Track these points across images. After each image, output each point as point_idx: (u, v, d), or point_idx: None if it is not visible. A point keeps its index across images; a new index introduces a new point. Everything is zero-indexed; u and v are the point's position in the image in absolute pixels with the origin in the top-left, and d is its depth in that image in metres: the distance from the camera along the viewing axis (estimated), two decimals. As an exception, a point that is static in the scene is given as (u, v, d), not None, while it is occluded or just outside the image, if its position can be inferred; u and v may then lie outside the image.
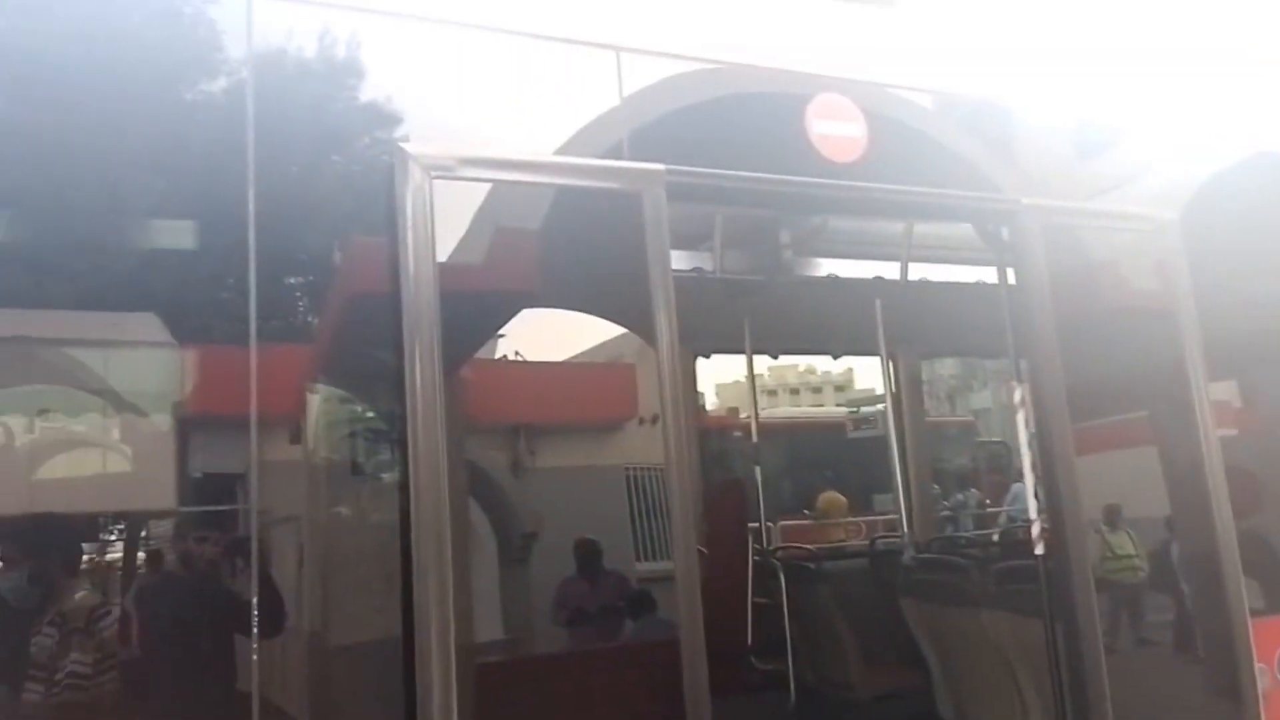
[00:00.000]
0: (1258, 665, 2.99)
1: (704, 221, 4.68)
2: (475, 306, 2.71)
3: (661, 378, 2.64)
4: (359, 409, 2.60)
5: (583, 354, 5.07)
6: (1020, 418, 3.14)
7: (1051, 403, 2.99)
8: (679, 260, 4.69)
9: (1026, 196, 3.18)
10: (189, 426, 2.32)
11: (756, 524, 5.41)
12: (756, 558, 5.06)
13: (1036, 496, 3.14)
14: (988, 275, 3.82)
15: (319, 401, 2.44)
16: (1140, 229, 3.37)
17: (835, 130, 3.09)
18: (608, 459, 5.37)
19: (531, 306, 3.26)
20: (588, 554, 4.39)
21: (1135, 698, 2.86)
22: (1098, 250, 3.43)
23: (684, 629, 2.43)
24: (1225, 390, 4.00)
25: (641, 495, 5.52)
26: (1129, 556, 3.06)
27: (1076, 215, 3.32)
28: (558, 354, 5.08)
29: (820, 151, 3.05)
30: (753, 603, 4.78)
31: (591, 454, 5.16)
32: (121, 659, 2.17)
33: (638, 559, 5.18)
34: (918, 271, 5.03)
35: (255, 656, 2.12)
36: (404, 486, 2.28)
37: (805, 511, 10.27)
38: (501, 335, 5.13)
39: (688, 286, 4.77)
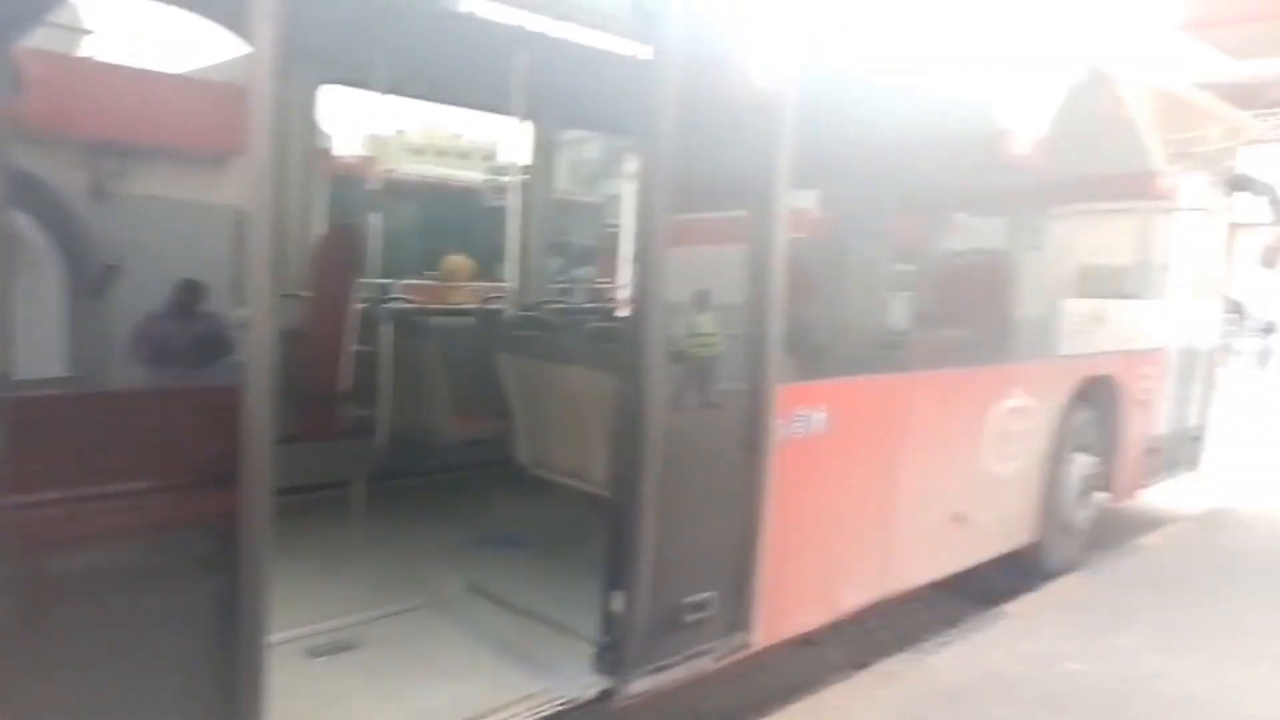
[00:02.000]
0: (776, 421, 3.58)
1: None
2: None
3: (257, 97, 2.31)
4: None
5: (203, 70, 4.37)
6: (631, 198, 3.29)
7: (659, 185, 3.13)
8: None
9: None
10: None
11: (371, 280, 5.27)
12: (365, 306, 4.97)
13: (634, 270, 3.36)
14: (627, 49, 3.83)
15: None
16: (767, 24, 3.48)
17: None
18: (216, 195, 4.85)
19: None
20: (181, 293, 4.01)
21: (683, 443, 3.30)
22: (728, 40, 3.51)
23: (251, 372, 2.29)
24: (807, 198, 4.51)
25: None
26: (709, 334, 3.39)
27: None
28: (166, 64, 4.35)
29: None
30: (355, 351, 4.73)
31: (199, 186, 4.62)
32: None
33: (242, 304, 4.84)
34: (565, 32, 4.91)
35: None
36: None
37: (427, 273, 10.22)
38: (88, 30, 4.28)
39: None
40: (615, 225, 12.20)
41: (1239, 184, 7.49)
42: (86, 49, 4.29)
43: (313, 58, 4.99)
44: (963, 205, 4.96)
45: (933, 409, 4.55)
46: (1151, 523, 7.31)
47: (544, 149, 6.44)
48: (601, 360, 3.86)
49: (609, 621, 3.21)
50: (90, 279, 3.96)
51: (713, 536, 3.51)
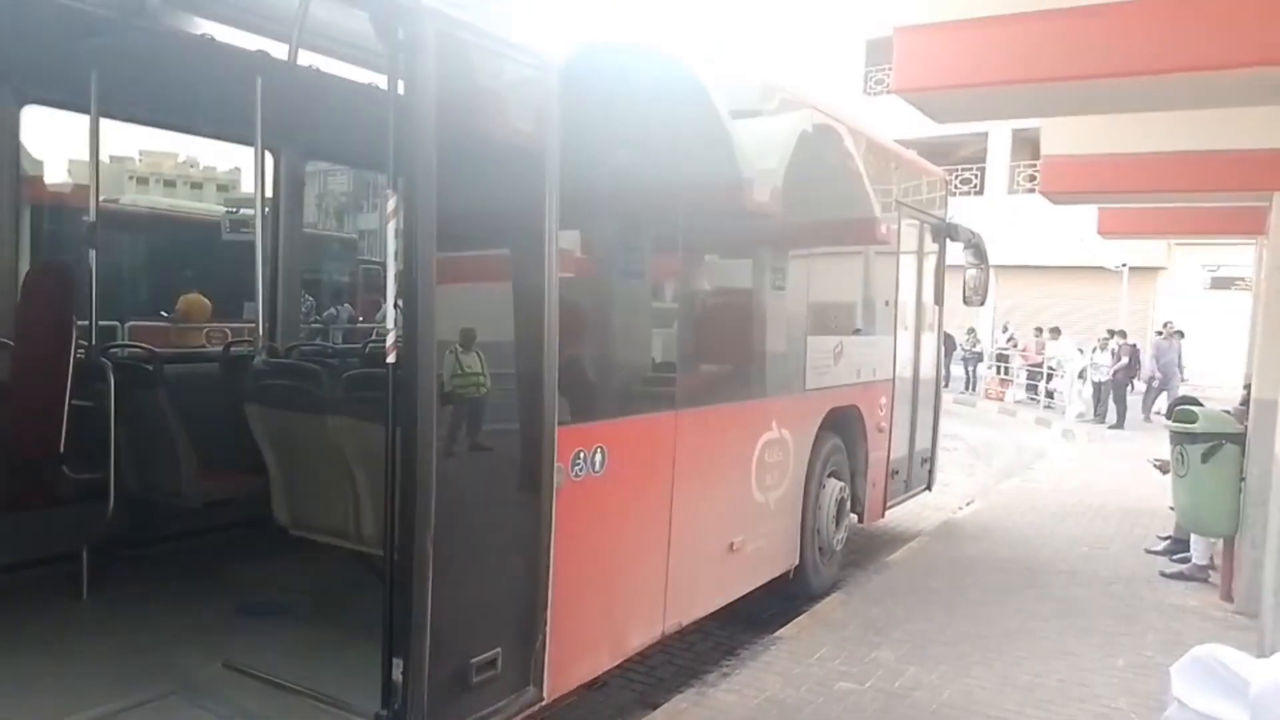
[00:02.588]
0: (556, 465, 3.50)
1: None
2: None
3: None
4: None
5: None
6: (390, 230, 3.09)
7: (422, 222, 2.97)
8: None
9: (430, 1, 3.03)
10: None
11: (88, 322, 4.65)
12: (81, 355, 4.36)
13: (396, 307, 3.16)
14: (381, 80, 3.64)
15: None
16: (527, 63, 3.44)
17: None
18: None
19: None
20: None
21: (460, 493, 3.12)
22: (488, 77, 3.43)
23: None
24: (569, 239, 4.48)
25: None
26: (476, 374, 3.25)
27: (473, 33, 3.25)
28: None
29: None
30: (71, 405, 4.14)
31: None
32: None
33: None
34: (310, 60, 4.62)
35: None
36: None
37: (163, 314, 9.28)
38: None
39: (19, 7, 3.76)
40: (371, 261, 11.71)
41: (947, 231, 8.43)
42: None
43: (15, 74, 4.37)
44: (715, 248, 5.17)
45: (701, 444, 4.66)
46: (895, 540, 7.95)
47: (290, 180, 6.01)
48: (364, 408, 3.60)
49: (389, 691, 2.96)
50: None
51: (496, 590, 3.35)
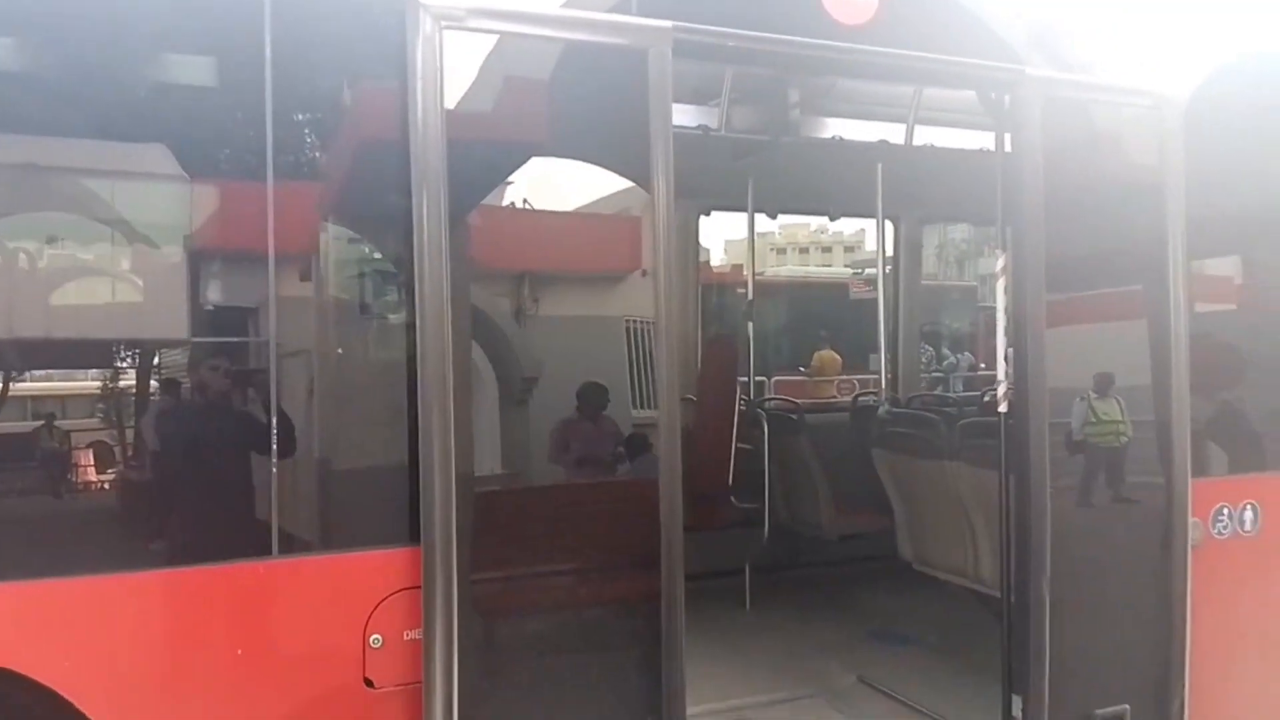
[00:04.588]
0: (1192, 520, 3.27)
1: (713, 77, 4.68)
2: (482, 155, 2.81)
3: (656, 233, 2.78)
4: (369, 250, 2.76)
5: (590, 204, 5.16)
6: (1000, 284, 3.29)
7: (1030, 270, 3.11)
8: (686, 115, 4.73)
9: (1031, 66, 3.21)
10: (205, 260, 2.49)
11: (746, 378, 5.67)
12: (743, 407, 5.35)
13: (1006, 359, 3.33)
14: (990, 142, 3.88)
15: (331, 240, 2.60)
16: (1141, 104, 3.38)
17: (845, -8, 3.10)
18: (608, 310, 5.55)
19: (538, 156, 3.34)
20: (588, 398, 4.65)
21: (1080, 541, 3.14)
22: (1098, 123, 3.46)
23: (663, 470, 2.66)
24: (1229, 266, 4.12)
25: (640, 346, 5.74)
26: (1115, 422, 3.22)
27: (1079, 88, 3.34)
28: (565, 203, 5.18)
29: (831, 13, 3.07)
30: (736, 448, 5.09)
31: (593, 304, 5.34)
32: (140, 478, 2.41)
33: (635, 406, 5.44)
34: (922, 135, 5.05)
35: (274, 476, 2.37)
36: (410, 326, 2.47)
37: (800, 368, 10.54)
38: (509, 183, 5.23)
39: (693, 143, 4.82)
40: (990, 307, 11.72)
41: None
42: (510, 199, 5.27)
43: (698, 192, 5.62)
44: None
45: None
46: None
47: (909, 243, 6.52)
48: (980, 455, 3.80)
49: (1009, 726, 3.10)
50: (515, 390, 4.74)
51: (1123, 645, 3.25)
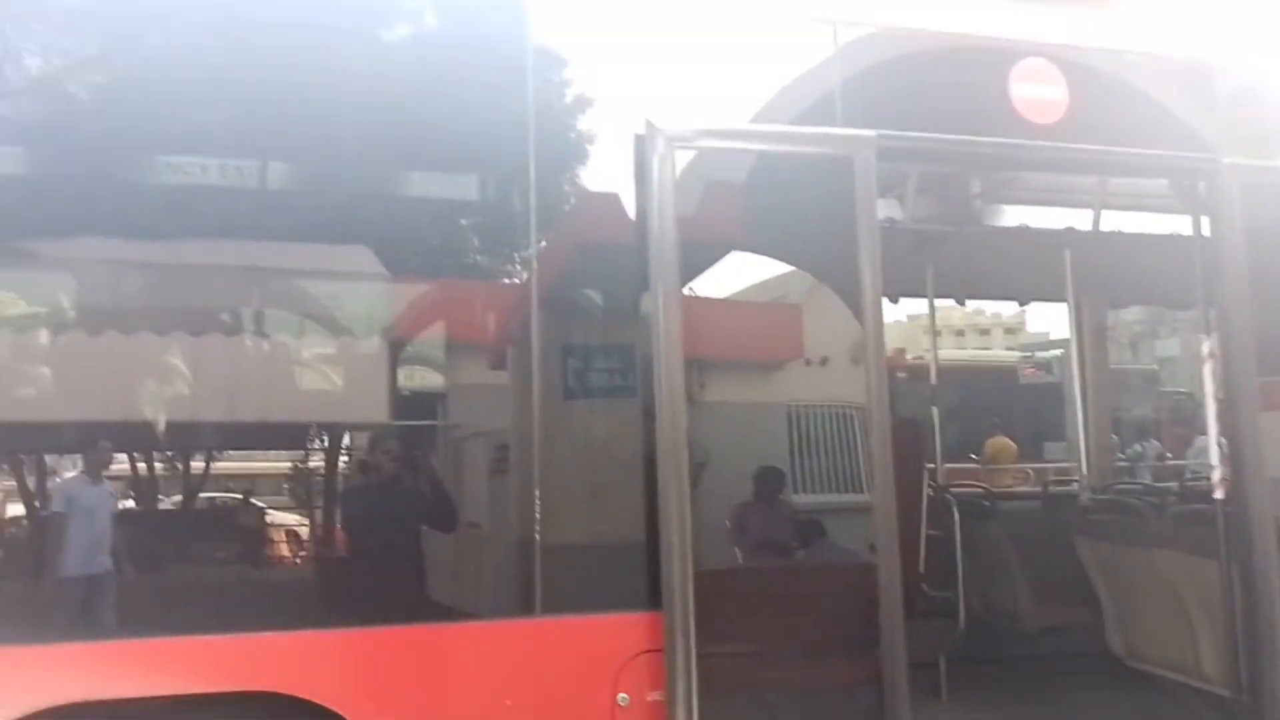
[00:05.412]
0: None
1: (897, 172, 4.88)
2: (697, 255, 3.11)
3: (866, 329, 2.97)
4: (607, 345, 3.07)
5: (747, 292, 5.36)
6: (1207, 369, 3.28)
7: (1239, 355, 3.10)
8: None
9: (1227, 155, 3.26)
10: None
11: (932, 464, 5.66)
12: (930, 493, 5.32)
13: (1220, 444, 3.29)
14: (1179, 226, 3.89)
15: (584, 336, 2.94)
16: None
17: (1037, 93, 3.28)
18: (771, 396, 5.71)
19: (736, 251, 3.62)
20: (765, 482, 4.78)
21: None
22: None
23: (882, 555, 2.79)
24: None
25: (802, 432, 5.84)
26: None
27: (1276, 173, 3.34)
28: (726, 291, 5.43)
29: (1022, 114, 3.25)
30: (926, 535, 5.07)
31: (755, 391, 5.52)
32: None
33: (796, 491, 5.52)
34: (1109, 220, 5.05)
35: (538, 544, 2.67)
36: (649, 413, 2.74)
37: (972, 456, 10.30)
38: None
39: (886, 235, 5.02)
40: (1177, 392, 11.12)
41: None
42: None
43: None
44: None
45: None
46: None
47: (1094, 328, 6.39)
48: (1196, 543, 3.69)
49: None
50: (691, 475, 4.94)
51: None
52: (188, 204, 2.72)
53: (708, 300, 5.72)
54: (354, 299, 2.97)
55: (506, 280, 3.00)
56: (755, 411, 5.55)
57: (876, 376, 2.96)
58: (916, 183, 4.85)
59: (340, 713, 2.40)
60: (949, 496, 5.28)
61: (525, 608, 2.64)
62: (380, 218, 2.94)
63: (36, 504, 2.72)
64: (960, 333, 29.87)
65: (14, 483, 2.75)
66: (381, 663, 2.53)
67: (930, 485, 5.44)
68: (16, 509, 2.73)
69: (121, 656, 2.47)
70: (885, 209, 5.07)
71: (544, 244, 2.90)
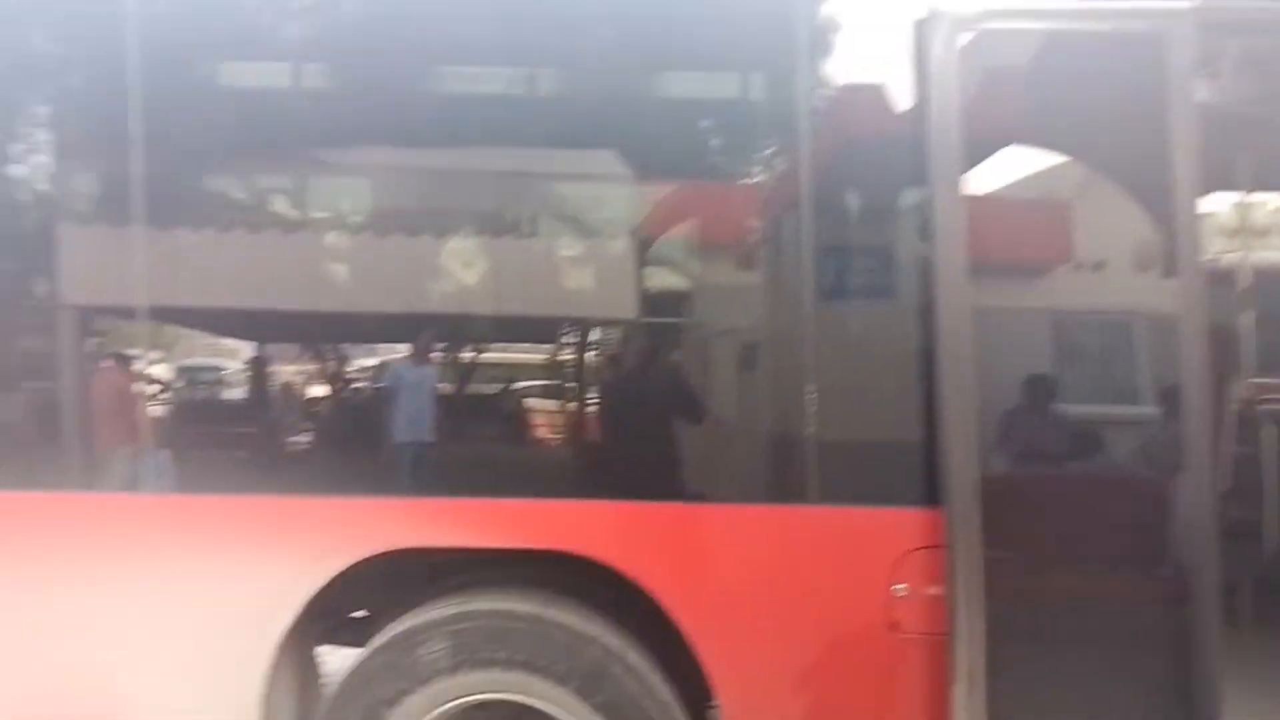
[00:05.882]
0: None
1: (1210, 46, 4.33)
2: (977, 150, 2.96)
3: (1179, 229, 2.74)
4: (880, 245, 3.02)
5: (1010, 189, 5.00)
6: None
7: None
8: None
9: None
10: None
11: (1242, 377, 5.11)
12: (1238, 408, 4.83)
13: None
14: None
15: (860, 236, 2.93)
16: None
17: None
18: (1037, 301, 5.36)
19: (1024, 145, 3.41)
20: (1036, 390, 4.53)
21: None
22: None
23: (1192, 472, 2.79)
24: None
25: (1070, 340, 5.42)
26: None
27: None
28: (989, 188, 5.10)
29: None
30: (1231, 453, 4.63)
31: (1020, 296, 5.20)
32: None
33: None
34: None
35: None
36: (924, 309, 2.74)
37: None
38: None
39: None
40: None
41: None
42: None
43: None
44: None
45: None
46: None
47: None
48: None
49: None
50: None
51: None
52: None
53: (985, 198, 5.47)
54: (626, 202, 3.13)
55: (783, 181, 3.00)
56: (1020, 317, 5.27)
57: (1193, 282, 2.73)
58: (1236, 57, 4.27)
59: (626, 573, 2.70)
60: (1260, 412, 4.76)
61: (804, 495, 2.76)
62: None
63: (371, 381, 3.18)
64: (1264, 234, 26.10)
65: (351, 364, 3.21)
66: (663, 533, 2.79)
67: (1240, 400, 4.94)
68: (357, 384, 3.20)
69: (438, 512, 2.87)
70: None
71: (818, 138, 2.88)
